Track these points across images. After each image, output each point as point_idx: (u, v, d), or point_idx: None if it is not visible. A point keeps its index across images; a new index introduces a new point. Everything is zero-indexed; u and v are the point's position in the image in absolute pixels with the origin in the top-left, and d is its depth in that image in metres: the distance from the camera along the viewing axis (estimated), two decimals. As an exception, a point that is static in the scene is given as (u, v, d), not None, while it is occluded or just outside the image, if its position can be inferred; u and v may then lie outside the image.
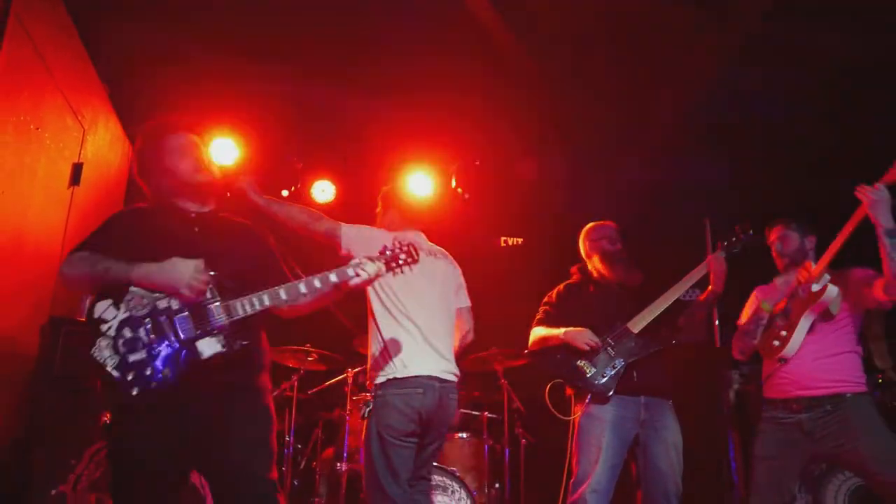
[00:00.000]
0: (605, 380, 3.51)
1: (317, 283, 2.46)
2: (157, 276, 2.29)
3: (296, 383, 4.77)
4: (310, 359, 4.79)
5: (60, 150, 3.66)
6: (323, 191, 6.30)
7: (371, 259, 2.55)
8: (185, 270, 2.28)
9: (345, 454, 4.42)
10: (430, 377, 3.17)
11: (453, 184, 6.24)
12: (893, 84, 4.82)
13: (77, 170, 3.83)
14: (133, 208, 2.59)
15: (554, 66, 5.28)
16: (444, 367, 3.24)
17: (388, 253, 2.60)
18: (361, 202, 6.41)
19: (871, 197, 3.16)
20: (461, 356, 3.54)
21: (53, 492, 2.92)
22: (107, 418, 3.00)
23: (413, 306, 3.23)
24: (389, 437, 3.06)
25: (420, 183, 6.26)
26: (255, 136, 5.58)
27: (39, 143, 3.40)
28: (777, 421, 3.37)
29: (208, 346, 2.27)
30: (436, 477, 4.29)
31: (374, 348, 3.28)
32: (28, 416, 3.10)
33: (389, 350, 3.19)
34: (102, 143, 4.26)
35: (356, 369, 4.72)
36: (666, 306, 3.63)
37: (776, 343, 3.39)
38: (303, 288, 2.42)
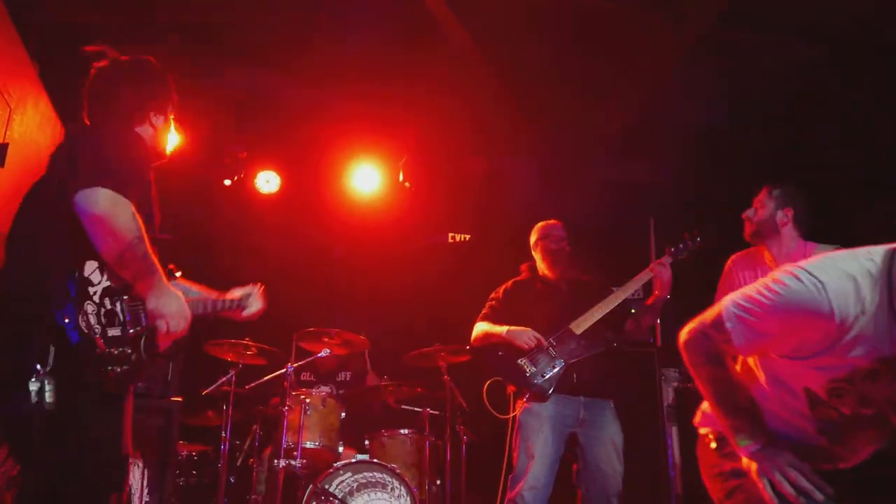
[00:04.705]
0: (543, 380, 3.54)
1: None
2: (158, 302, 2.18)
3: (234, 378, 4.63)
4: (248, 353, 4.65)
5: (-17, 130, 3.47)
6: (267, 181, 6.16)
7: None
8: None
9: (282, 451, 4.32)
10: None
11: (401, 178, 6.17)
12: (841, 89, 4.93)
13: (1, 150, 3.63)
14: None
15: (505, 61, 5.26)
16: None
17: None
18: (306, 194, 6.32)
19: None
20: None
21: (-34, 491, 2.75)
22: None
23: None
24: None
25: (367, 176, 6.18)
26: (197, 124, 5.39)
27: (-41, 122, 3.21)
28: None
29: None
30: (376, 474, 4.23)
31: None
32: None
33: None
34: (31, 124, 4.05)
35: (297, 364, 4.63)
36: (609, 309, 3.67)
37: None
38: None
